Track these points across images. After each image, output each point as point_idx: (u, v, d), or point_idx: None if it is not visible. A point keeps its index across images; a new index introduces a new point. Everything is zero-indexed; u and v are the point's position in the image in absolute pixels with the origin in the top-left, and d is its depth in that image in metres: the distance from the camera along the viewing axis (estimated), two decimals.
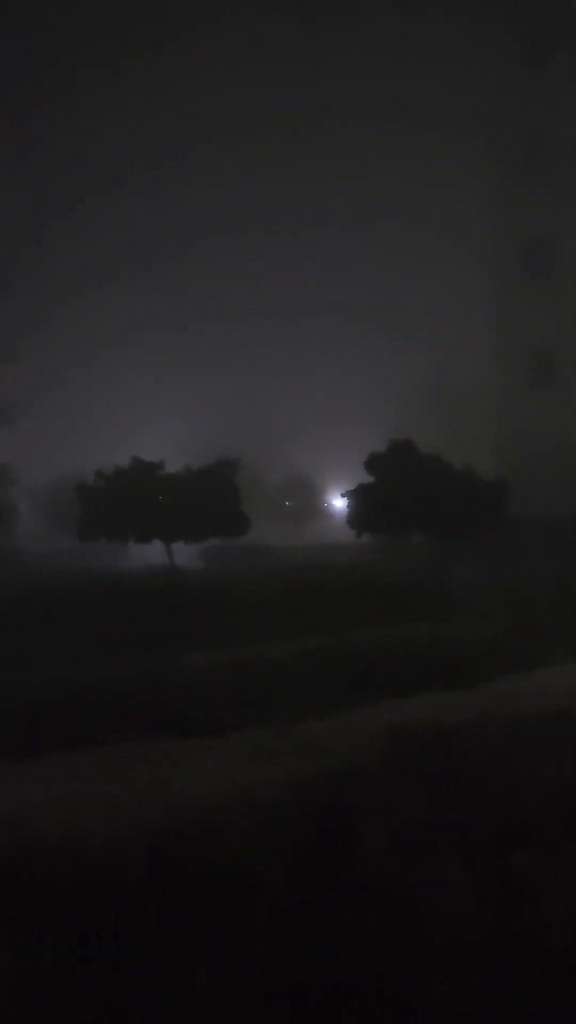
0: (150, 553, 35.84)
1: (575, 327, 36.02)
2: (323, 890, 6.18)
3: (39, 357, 49.21)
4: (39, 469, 46.30)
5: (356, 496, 30.06)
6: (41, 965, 5.37)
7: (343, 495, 33.11)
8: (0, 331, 49.91)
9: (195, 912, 5.91)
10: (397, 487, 28.63)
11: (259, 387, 50.05)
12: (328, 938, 5.61)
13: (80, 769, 8.96)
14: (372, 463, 30.13)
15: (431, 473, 29.16)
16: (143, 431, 47.37)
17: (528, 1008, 5.04)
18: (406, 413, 37.31)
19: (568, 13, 36.08)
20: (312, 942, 5.56)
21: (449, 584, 18.24)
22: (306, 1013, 5.03)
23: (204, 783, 8.43)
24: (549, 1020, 5.03)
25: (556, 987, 5.17)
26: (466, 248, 39.23)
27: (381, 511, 28.83)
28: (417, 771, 8.40)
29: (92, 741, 9.82)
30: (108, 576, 26.50)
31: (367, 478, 30.37)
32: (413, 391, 39.94)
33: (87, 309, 55.89)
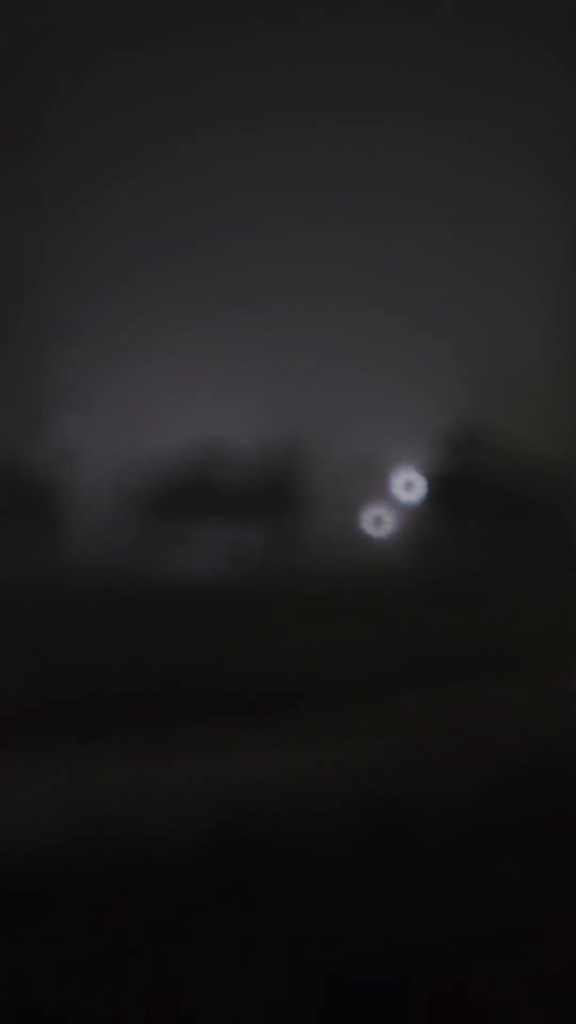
0: (213, 539, 35.98)
1: None
2: (384, 878, 6.19)
3: (103, 336, 49.35)
4: (106, 453, 46.49)
5: (429, 484, 29.91)
6: (101, 949, 5.41)
7: (409, 483, 32.92)
8: (60, 312, 50.05)
9: (253, 898, 5.93)
10: (475, 476, 28.49)
11: (323, 369, 49.79)
12: (388, 927, 5.60)
13: (137, 753, 9.01)
14: (447, 450, 29.99)
15: (510, 463, 28.97)
16: (205, 415, 47.37)
17: None
18: (481, 400, 36.97)
19: None
20: (371, 931, 5.56)
21: (526, 574, 18.09)
22: (366, 1005, 5.04)
23: (261, 768, 8.45)
24: None
25: None
26: (530, 237, 38.71)
27: (455, 500, 28.71)
28: (481, 758, 8.43)
29: (150, 725, 9.87)
30: (182, 564, 26.55)
31: (437, 466, 30.24)
32: (486, 378, 39.55)
33: (150, 286, 55.87)
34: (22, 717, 10.17)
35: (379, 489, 49.42)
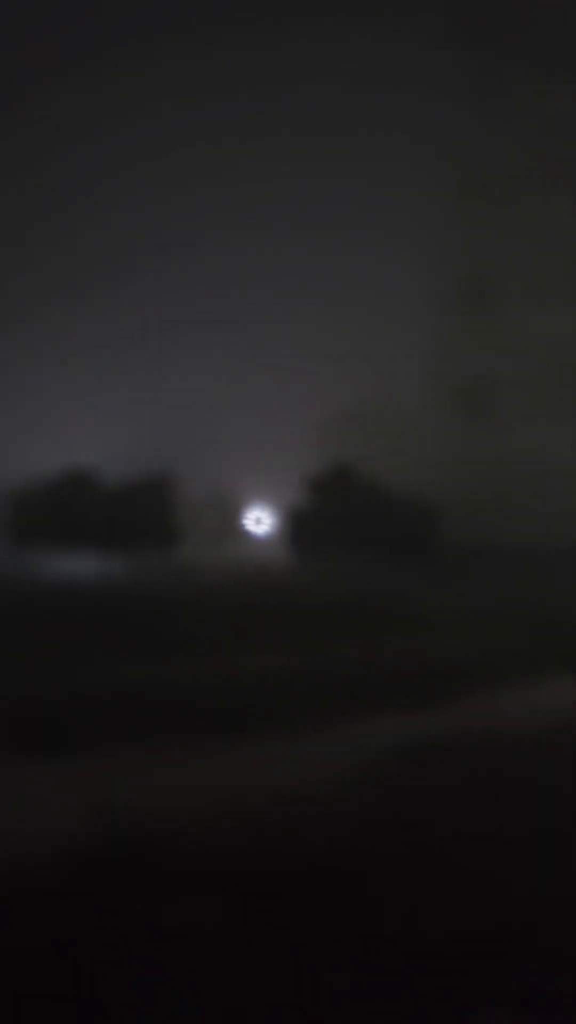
0: (77, 562, 35.60)
1: (510, 359, 36.88)
2: (323, 903, 6.29)
3: None
4: None
5: (294, 516, 30.41)
6: None
7: (272, 514, 33.36)
8: None
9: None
10: (337, 509, 29.11)
11: (190, 401, 49.79)
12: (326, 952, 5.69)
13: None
14: (311, 485, 30.69)
15: (370, 497, 29.70)
16: (70, 436, 46.85)
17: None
18: (339, 436, 37.67)
19: (522, 38, 37.04)
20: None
21: (403, 604, 18.48)
22: None
23: (186, 794, 8.44)
24: None
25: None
26: (405, 275, 39.77)
27: (320, 532, 29.26)
28: (409, 786, 8.64)
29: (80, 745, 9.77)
30: (60, 584, 26.21)
31: (297, 498, 30.90)
32: (346, 415, 40.26)
33: (30, 320, 55.05)
34: None
35: (238, 520, 49.45)
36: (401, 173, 40.44)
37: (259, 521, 40.00)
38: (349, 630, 16.19)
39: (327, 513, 29.65)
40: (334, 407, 40.54)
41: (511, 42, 38.23)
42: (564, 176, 37.92)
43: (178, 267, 45.67)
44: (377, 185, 40.67)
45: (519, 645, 14.58)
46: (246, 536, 66.48)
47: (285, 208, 42.63)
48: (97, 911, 5.96)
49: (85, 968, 5.34)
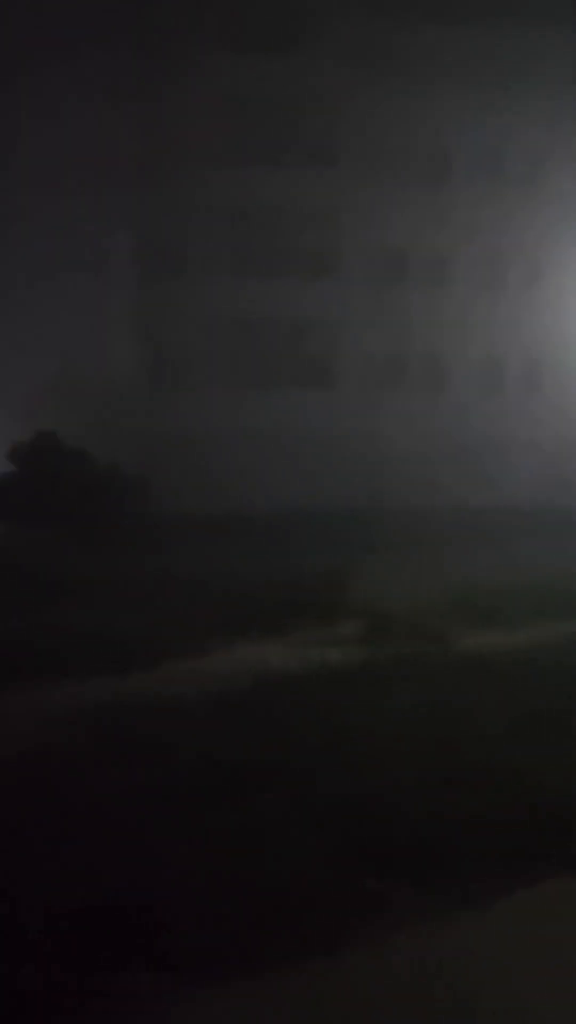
0: None
1: (201, 331, 37.18)
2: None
3: None
4: None
5: None
6: None
7: None
8: None
9: None
10: (40, 478, 28.93)
11: None
12: None
13: None
14: (10, 454, 30.47)
15: (74, 466, 29.66)
16: None
17: None
18: (42, 407, 37.09)
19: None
20: None
21: (105, 575, 18.45)
22: None
23: None
24: None
25: None
26: (100, 248, 39.35)
27: (22, 501, 28.96)
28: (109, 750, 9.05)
29: None
30: None
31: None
32: (49, 386, 39.60)
33: None
34: None
35: None
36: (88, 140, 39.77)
37: None
38: (24, 599, 16.11)
39: (26, 482, 29.35)
40: (37, 378, 39.95)
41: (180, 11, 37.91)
42: (247, 147, 38.10)
43: None
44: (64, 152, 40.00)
45: (199, 614, 14.92)
46: None
47: None
48: None
49: None
